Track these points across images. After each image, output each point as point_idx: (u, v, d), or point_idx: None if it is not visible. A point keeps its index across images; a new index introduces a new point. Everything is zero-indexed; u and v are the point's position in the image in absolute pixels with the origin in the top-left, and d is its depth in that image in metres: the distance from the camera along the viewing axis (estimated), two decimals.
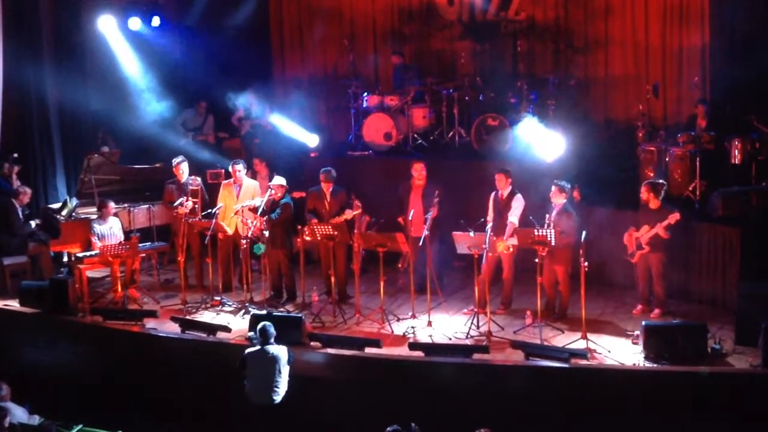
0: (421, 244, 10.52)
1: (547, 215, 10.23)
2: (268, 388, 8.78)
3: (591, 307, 10.33)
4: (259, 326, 8.95)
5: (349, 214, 11.21)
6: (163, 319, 10.83)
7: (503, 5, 14.30)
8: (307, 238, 10.97)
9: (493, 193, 10.86)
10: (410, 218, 10.80)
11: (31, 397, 9.29)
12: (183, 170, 12.07)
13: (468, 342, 9.97)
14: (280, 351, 8.87)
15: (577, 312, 10.08)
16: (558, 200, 10.41)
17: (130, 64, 15.24)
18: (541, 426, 8.83)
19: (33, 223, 12.28)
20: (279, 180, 11.42)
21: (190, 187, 11.89)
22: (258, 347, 8.89)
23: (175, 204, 11.75)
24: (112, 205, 12.00)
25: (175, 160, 12.15)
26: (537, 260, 10.01)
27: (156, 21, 15.39)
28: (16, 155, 13.25)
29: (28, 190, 12.43)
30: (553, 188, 10.43)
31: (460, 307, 11.09)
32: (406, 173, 11.48)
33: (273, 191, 11.29)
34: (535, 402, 8.91)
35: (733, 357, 9.23)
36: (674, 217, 10.14)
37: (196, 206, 11.76)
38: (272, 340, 8.89)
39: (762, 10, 12.19)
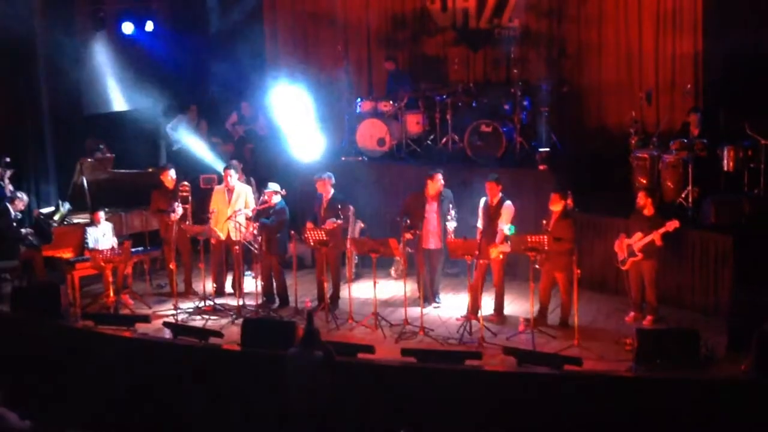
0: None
1: (545, 221, 10.23)
2: (310, 394, 8.50)
3: (583, 314, 10.34)
4: (305, 329, 8.74)
5: (329, 224, 11.09)
6: (155, 325, 10.80)
7: (497, 12, 14.31)
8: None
9: (483, 200, 10.87)
10: (419, 230, 10.70)
11: (22, 403, 9.25)
12: (170, 176, 12.04)
13: (460, 348, 9.96)
14: (319, 357, 8.78)
15: (570, 319, 10.08)
16: (556, 207, 10.40)
17: (123, 69, 15.21)
18: None
19: (23, 231, 12.19)
20: (273, 186, 11.41)
21: (180, 193, 11.86)
22: (300, 350, 8.71)
23: (168, 210, 11.73)
24: (101, 213, 11.98)
25: (161, 167, 12.12)
26: (537, 266, 10.03)
27: (149, 26, 15.39)
28: (8, 159, 13.21)
29: (25, 198, 12.37)
30: (552, 195, 10.42)
31: (452, 313, 11.08)
32: (414, 182, 11.41)
33: (266, 197, 11.28)
34: (527, 408, 8.89)
35: (725, 363, 9.25)
36: (673, 225, 10.12)
37: (187, 211, 11.74)
38: (315, 345, 8.79)
39: (755, 17, 12.22)
